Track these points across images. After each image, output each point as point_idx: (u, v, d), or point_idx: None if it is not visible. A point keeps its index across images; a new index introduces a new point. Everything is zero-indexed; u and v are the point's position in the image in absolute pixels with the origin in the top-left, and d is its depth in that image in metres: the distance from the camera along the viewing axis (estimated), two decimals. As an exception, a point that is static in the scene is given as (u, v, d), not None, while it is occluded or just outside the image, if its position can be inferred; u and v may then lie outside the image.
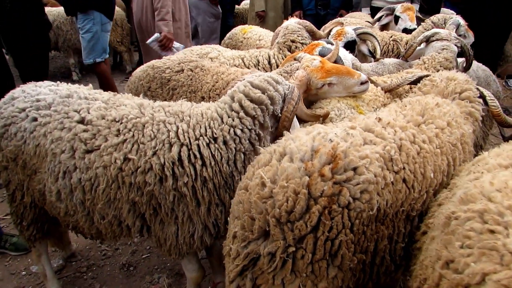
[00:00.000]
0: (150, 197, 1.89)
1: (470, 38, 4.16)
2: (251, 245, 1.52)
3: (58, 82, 2.29)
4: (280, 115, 1.95)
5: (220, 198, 1.94)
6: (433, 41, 3.27)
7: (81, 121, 1.92)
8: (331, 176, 1.45)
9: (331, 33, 3.65)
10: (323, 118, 2.26)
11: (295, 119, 2.10)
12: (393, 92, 2.70)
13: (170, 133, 1.83)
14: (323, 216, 1.43)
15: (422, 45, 3.36)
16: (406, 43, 4.18)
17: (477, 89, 2.29)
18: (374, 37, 3.82)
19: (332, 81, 2.36)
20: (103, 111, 1.94)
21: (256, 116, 1.87)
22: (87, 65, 5.40)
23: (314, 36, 3.60)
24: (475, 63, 3.97)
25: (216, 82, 2.97)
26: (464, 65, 3.39)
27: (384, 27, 5.20)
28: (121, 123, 1.87)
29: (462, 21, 4.08)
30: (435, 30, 3.36)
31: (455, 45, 3.23)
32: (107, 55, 5.40)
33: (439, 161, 1.77)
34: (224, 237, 1.73)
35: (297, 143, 1.57)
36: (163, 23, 4.51)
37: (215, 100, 3.00)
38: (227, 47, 4.72)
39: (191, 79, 3.06)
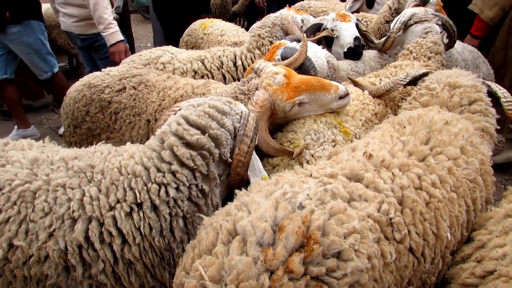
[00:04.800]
0: (56, 290, 1.34)
1: None
2: None
3: None
4: (230, 160, 1.40)
5: (157, 279, 1.39)
6: (411, 25, 2.77)
7: None
8: (303, 271, 0.93)
9: (328, 18, 3.05)
10: (298, 155, 1.73)
11: (255, 156, 1.56)
12: (385, 96, 2.17)
13: (72, 203, 1.26)
14: (296, 334, 0.91)
15: (400, 32, 2.84)
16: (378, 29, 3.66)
17: (488, 86, 1.80)
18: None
19: (302, 100, 1.79)
20: (-23, 174, 1.34)
21: (195, 167, 1.32)
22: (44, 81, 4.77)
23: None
24: (460, 44, 3.46)
25: (163, 101, 2.40)
26: (447, 43, 2.92)
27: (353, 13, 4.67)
28: (2, 194, 1.29)
29: None
30: (410, 11, 2.84)
31: (436, 23, 2.75)
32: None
33: (455, 210, 1.26)
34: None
35: (253, 215, 1.03)
36: None
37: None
38: (187, 46, 4.13)
39: (134, 99, 2.47)
